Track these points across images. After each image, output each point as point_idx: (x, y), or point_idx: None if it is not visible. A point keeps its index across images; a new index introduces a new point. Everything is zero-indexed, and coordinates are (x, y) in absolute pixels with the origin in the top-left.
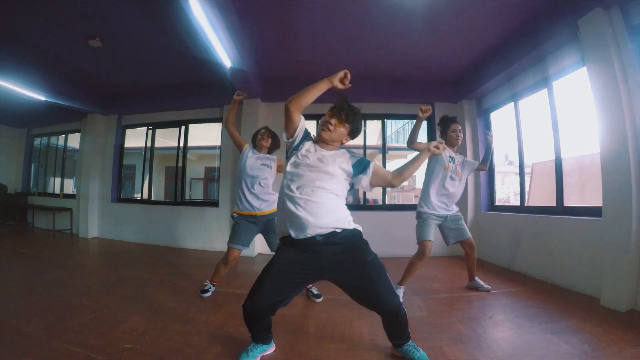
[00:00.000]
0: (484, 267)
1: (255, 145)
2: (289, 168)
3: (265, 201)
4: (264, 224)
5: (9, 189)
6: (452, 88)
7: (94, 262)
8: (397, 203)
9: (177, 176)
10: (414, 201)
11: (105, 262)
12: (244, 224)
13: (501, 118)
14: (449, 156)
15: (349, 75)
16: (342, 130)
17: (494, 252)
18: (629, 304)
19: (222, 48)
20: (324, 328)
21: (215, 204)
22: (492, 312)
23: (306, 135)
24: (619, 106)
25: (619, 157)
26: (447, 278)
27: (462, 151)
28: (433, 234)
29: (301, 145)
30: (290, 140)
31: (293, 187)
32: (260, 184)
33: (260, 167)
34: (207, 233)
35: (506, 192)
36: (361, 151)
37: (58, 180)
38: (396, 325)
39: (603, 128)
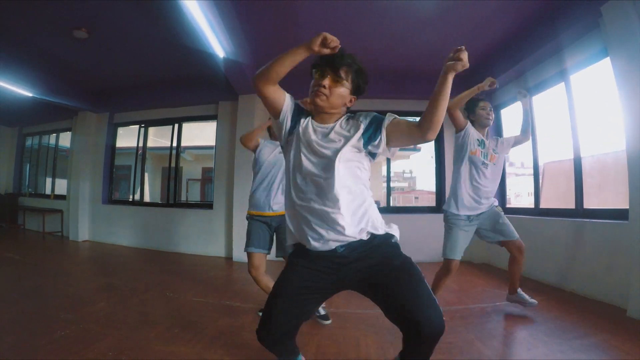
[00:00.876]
0: (496, 274)
1: (271, 134)
2: (291, 159)
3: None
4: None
5: None
6: (459, 83)
7: (81, 268)
8: (398, 205)
9: (170, 177)
10: (414, 203)
11: (92, 268)
12: (255, 224)
13: (513, 115)
14: (477, 139)
15: (329, 39)
16: (342, 90)
17: (504, 258)
18: None
19: (214, 36)
20: (327, 347)
21: (210, 205)
22: (514, 327)
23: (299, 112)
24: None
25: None
26: (460, 287)
27: None
28: (461, 248)
29: (298, 125)
30: (279, 121)
31: (299, 181)
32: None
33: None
34: (201, 236)
35: (507, 194)
36: None
37: (49, 181)
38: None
39: (630, 124)
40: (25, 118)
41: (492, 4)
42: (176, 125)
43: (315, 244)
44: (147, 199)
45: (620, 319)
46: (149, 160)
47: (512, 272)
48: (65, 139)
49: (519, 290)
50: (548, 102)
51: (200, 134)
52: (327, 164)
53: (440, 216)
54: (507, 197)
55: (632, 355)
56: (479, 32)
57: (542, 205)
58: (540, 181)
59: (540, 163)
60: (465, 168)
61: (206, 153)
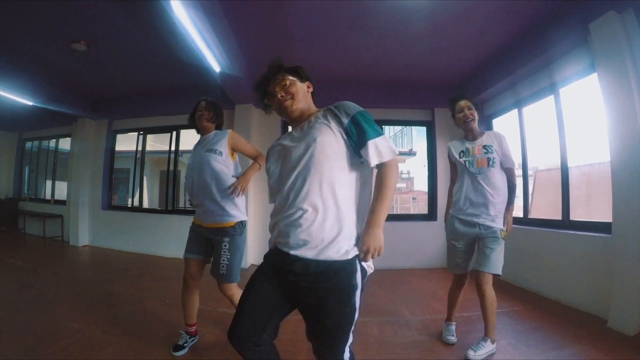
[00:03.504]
0: None
1: (197, 129)
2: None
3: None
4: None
5: None
6: (452, 93)
7: (82, 275)
8: (395, 213)
9: (168, 183)
10: (412, 203)
11: (94, 275)
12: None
13: (504, 125)
14: (460, 151)
15: None
16: (296, 86)
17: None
18: (638, 327)
19: (209, 52)
20: None
21: None
22: (496, 337)
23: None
24: (633, 114)
25: (632, 169)
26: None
27: None
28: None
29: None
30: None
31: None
32: (207, 180)
33: (205, 155)
34: None
35: None
36: None
37: (49, 184)
38: None
39: (614, 138)
40: (24, 124)
41: (481, 20)
42: (174, 133)
43: None
44: (145, 204)
45: (601, 330)
46: (147, 164)
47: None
48: (64, 143)
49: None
50: (539, 112)
51: (191, 138)
52: None
53: (433, 224)
54: None
55: None
56: (470, 45)
57: (533, 214)
58: (532, 190)
59: (532, 171)
60: (460, 178)
61: None
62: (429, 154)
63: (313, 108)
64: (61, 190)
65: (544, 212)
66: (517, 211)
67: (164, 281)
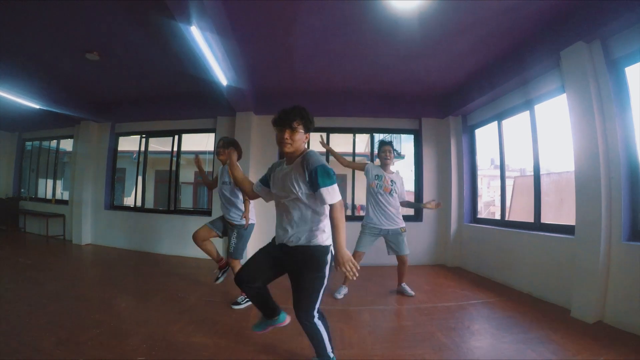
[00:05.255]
0: (465, 277)
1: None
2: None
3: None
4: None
5: (0, 194)
6: (439, 105)
7: (92, 272)
8: None
9: (170, 185)
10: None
11: (103, 272)
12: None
13: (486, 134)
14: (375, 174)
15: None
16: (300, 134)
17: (475, 263)
18: (597, 316)
19: (219, 68)
20: None
21: (209, 213)
22: (470, 323)
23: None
24: (593, 132)
25: (591, 182)
26: (431, 288)
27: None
28: (365, 246)
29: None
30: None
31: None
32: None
33: (221, 186)
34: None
35: (491, 196)
36: (350, 158)
37: (50, 183)
38: (308, 336)
39: (578, 154)
40: (26, 124)
41: (466, 42)
42: (176, 137)
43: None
44: (144, 203)
45: (564, 319)
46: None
47: (399, 272)
48: (65, 144)
49: (403, 284)
50: (518, 124)
51: (194, 140)
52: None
53: (419, 224)
54: (484, 199)
55: (566, 349)
56: (456, 64)
57: (512, 217)
58: (511, 195)
59: (514, 173)
60: (369, 196)
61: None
62: (416, 160)
63: (300, 150)
64: (59, 188)
65: (521, 215)
66: (500, 203)
67: (171, 277)
